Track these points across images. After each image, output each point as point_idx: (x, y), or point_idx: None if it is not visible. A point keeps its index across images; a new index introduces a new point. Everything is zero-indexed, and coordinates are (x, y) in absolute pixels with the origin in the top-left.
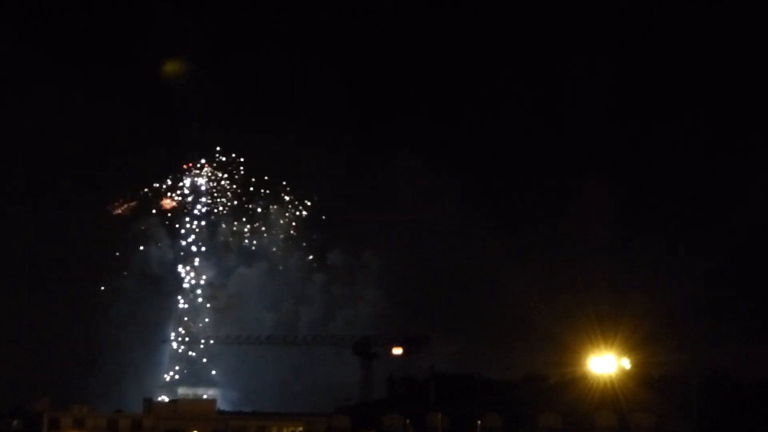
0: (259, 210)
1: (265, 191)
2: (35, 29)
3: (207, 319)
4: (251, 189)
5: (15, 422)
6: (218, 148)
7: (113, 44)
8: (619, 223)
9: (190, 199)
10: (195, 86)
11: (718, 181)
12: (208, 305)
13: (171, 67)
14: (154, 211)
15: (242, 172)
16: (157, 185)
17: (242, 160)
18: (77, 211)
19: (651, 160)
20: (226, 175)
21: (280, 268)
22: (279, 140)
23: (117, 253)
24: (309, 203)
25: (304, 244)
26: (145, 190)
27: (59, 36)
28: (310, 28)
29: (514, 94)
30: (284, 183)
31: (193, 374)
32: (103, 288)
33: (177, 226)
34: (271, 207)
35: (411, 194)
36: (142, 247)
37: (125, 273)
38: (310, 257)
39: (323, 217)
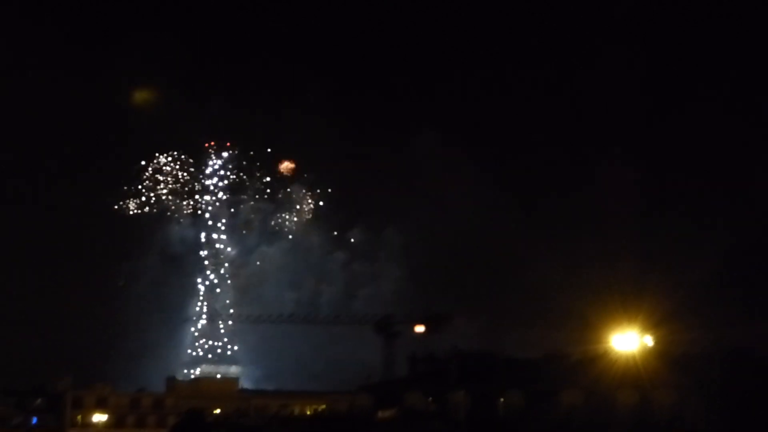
0: (281, 189)
1: (286, 170)
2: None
3: (229, 298)
4: (273, 168)
5: (38, 401)
6: (241, 127)
7: (128, 28)
8: (642, 198)
9: (213, 178)
10: (215, 69)
11: (742, 155)
12: (230, 284)
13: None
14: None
15: (264, 151)
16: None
17: (264, 138)
18: (98, 191)
19: (673, 134)
20: (249, 154)
21: (305, 246)
22: (300, 119)
23: (139, 232)
24: (330, 182)
25: (326, 222)
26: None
27: (80, 14)
28: (334, 6)
29: (535, 70)
30: (306, 161)
31: (215, 353)
32: (124, 267)
33: (199, 204)
34: (292, 185)
35: (432, 171)
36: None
37: (147, 252)
38: (333, 234)
39: (344, 195)
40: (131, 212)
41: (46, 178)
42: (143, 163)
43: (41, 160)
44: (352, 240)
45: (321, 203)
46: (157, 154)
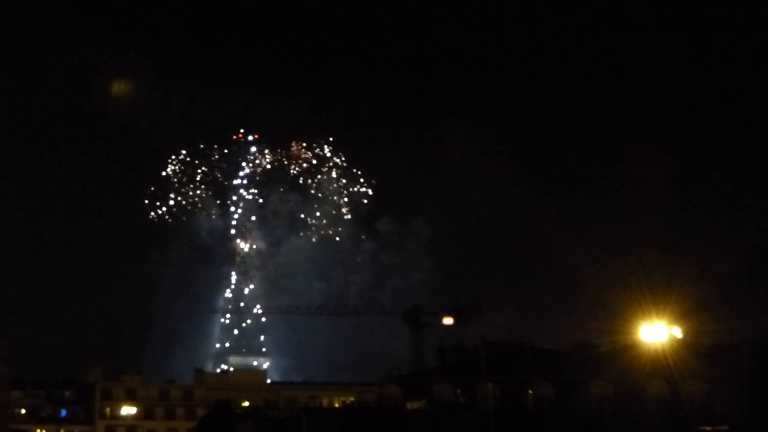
0: (310, 180)
1: (315, 161)
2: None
3: (257, 290)
4: (301, 158)
5: (68, 393)
6: (269, 118)
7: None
8: (672, 188)
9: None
10: (245, 57)
11: None
12: (259, 275)
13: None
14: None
15: (293, 142)
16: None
17: (293, 129)
18: (127, 182)
19: (703, 124)
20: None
21: (334, 237)
22: (328, 109)
23: (167, 223)
24: (359, 172)
25: (355, 212)
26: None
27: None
28: None
29: (568, 60)
30: (334, 151)
31: (244, 344)
32: (152, 258)
33: (226, 195)
34: (321, 176)
35: (461, 161)
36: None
37: (175, 243)
38: (362, 224)
39: (373, 184)
40: (159, 206)
41: (75, 174)
42: (172, 156)
43: (67, 156)
44: (381, 230)
45: (350, 193)
46: (183, 151)
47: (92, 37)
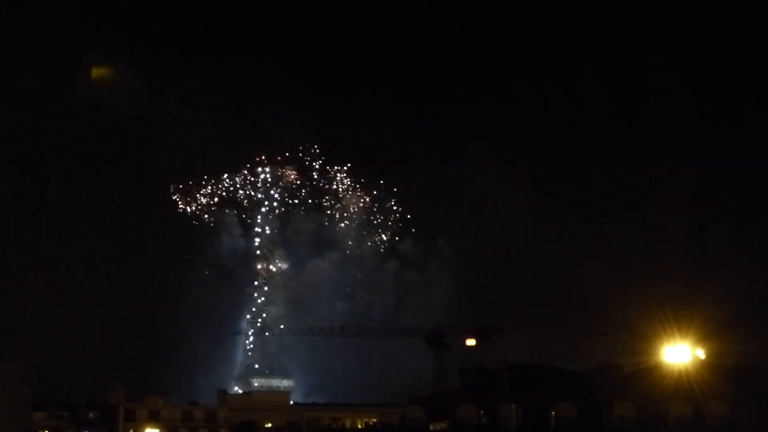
0: (332, 200)
1: (338, 181)
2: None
3: (280, 310)
4: (324, 179)
5: (91, 414)
6: (291, 138)
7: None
8: (695, 209)
9: (263, 191)
10: (265, 78)
11: None
12: (281, 296)
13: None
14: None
15: (316, 163)
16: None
17: (316, 149)
18: (150, 202)
19: (725, 145)
20: (299, 166)
21: (356, 257)
22: (352, 129)
23: (189, 244)
24: (382, 192)
25: (378, 232)
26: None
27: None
28: (386, 12)
29: (588, 83)
30: (357, 172)
31: (267, 365)
32: (175, 279)
33: (250, 215)
34: (344, 196)
35: (484, 182)
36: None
37: (198, 264)
38: (384, 244)
39: (396, 205)
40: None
41: (98, 195)
42: (195, 177)
43: (91, 179)
44: (403, 250)
45: (373, 214)
46: (205, 175)
47: (110, 58)
